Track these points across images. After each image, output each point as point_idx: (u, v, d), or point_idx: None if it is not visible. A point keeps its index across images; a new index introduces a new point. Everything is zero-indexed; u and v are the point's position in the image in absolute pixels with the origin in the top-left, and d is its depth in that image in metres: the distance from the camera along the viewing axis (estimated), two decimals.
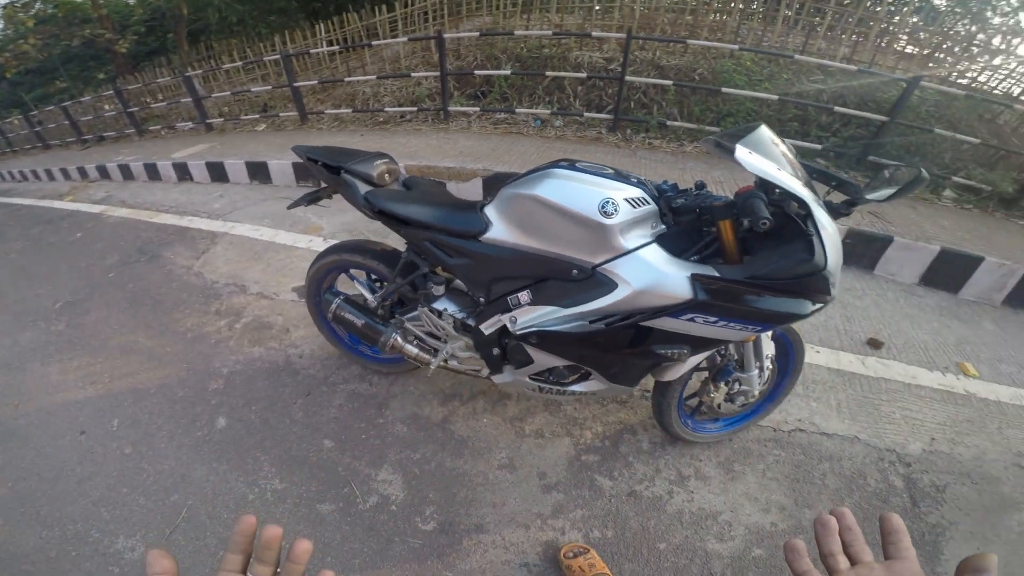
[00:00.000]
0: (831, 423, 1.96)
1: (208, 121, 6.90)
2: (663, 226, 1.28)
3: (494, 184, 1.53)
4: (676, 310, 1.22)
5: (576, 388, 1.58)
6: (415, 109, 5.39)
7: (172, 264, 3.30)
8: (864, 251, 3.05)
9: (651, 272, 1.22)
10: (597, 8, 5.85)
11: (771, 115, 4.40)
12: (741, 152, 1.07)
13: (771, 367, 1.61)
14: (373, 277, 1.86)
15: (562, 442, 1.83)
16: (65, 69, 17.81)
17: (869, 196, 1.21)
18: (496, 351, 1.57)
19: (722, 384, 1.56)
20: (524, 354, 1.49)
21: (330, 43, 7.05)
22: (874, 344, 2.43)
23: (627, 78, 4.35)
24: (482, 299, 1.50)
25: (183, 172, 5.29)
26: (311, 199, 1.79)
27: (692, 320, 1.24)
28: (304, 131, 5.82)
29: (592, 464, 1.76)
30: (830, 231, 1.14)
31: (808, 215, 1.12)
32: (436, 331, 1.68)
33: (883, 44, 5.45)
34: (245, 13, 11.89)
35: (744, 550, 1.53)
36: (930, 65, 5.37)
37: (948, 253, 2.92)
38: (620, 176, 1.29)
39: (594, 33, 4.75)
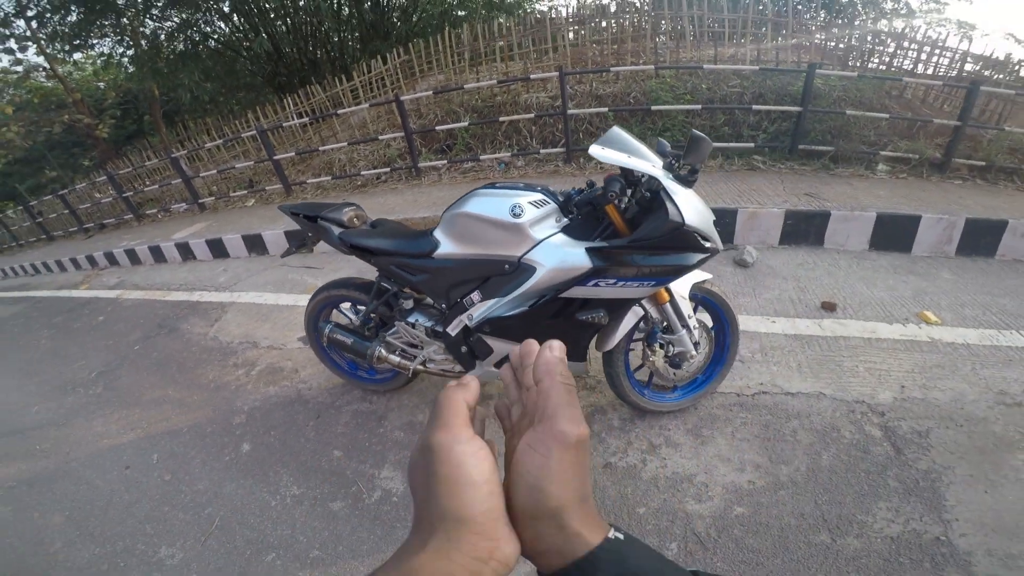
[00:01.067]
0: (794, 383, 2.08)
1: (200, 201, 7.36)
2: (566, 219, 1.66)
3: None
4: (582, 279, 1.58)
5: None
6: (388, 169, 5.86)
7: (190, 333, 3.67)
8: (807, 228, 3.33)
9: (557, 253, 1.59)
10: (534, 53, 6.38)
11: (703, 123, 4.86)
12: (594, 149, 1.49)
13: (699, 327, 1.85)
14: (357, 306, 2.23)
15: None
16: (52, 157, 18.37)
17: (684, 161, 1.57)
18: (464, 349, 1.91)
19: (656, 347, 1.85)
20: (485, 345, 1.84)
21: (300, 115, 7.51)
22: (828, 307, 2.56)
23: (569, 111, 4.82)
24: (444, 306, 1.87)
25: (186, 252, 5.73)
26: (299, 244, 2.20)
27: (597, 285, 1.60)
28: (291, 201, 6.25)
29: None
30: (683, 195, 1.53)
31: (661, 187, 1.51)
32: (413, 340, 2.04)
33: (785, 41, 5.96)
34: (215, 91, 12.56)
35: (725, 509, 1.63)
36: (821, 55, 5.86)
37: (885, 216, 3.17)
38: (528, 187, 1.67)
39: (532, 76, 5.27)
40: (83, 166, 17.95)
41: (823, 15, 7.87)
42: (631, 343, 1.89)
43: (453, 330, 1.86)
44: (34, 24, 11.53)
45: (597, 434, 1.99)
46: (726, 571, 1.46)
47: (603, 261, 1.56)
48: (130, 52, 11.83)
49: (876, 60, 6.13)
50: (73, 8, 9.97)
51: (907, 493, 1.60)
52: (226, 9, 10.78)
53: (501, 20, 7.72)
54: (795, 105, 4.40)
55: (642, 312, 1.79)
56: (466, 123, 5.45)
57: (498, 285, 1.71)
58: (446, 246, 1.76)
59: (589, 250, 1.57)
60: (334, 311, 2.34)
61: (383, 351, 2.04)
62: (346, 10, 11.37)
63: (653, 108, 4.73)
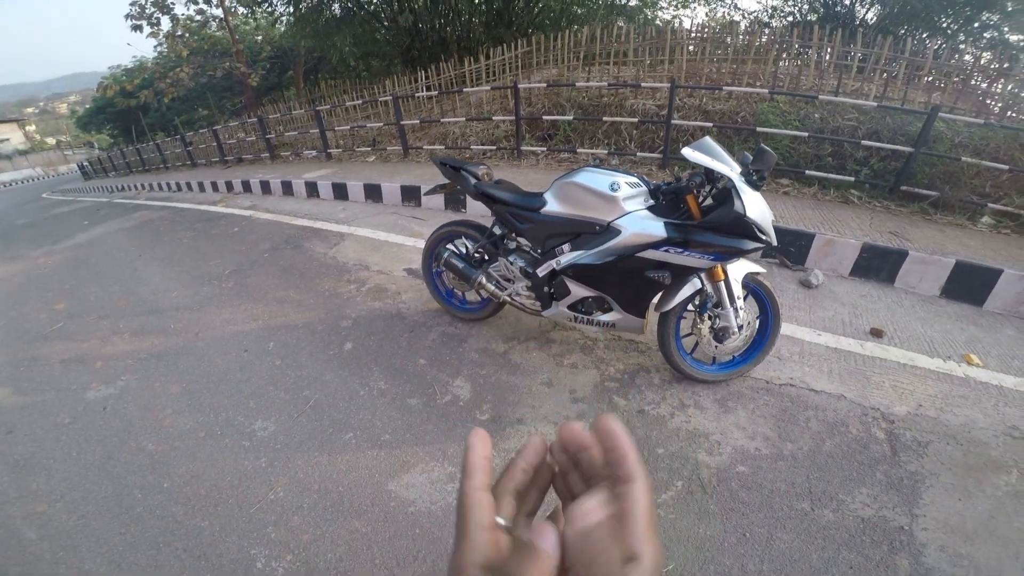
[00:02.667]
0: (820, 383, 2.30)
1: (329, 151, 8.36)
2: (652, 202, 2.10)
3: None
4: (656, 244, 2.01)
5: (601, 318, 2.32)
6: (494, 148, 6.42)
7: (312, 251, 4.42)
8: (881, 264, 3.35)
9: (641, 222, 2.05)
10: (648, 61, 6.60)
11: (807, 151, 4.91)
12: (686, 150, 1.92)
13: (744, 309, 2.15)
14: (469, 242, 2.74)
15: (591, 372, 2.45)
16: (207, 97, 21.08)
17: (752, 168, 1.93)
18: (546, 289, 2.37)
19: (705, 316, 2.17)
20: (564, 287, 2.29)
21: (428, 88, 8.31)
22: (876, 333, 2.69)
23: (673, 121, 5.05)
24: (539, 252, 2.35)
25: (312, 190, 6.65)
26: (441, 188, 2.76)
27: (667, 251, 2.01)
28: (406, 163, 6.99)
29: (612, 388, 2.33)
30: (750, 195, 1.90)
31: (734, 186, 1.89)
32: (508, 275, 2.54)
33: (916, 80, 5.74)
34: (356, 54, 13.80)
35: (729, 464, 1.89)
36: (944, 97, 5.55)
37: (964, 265, 3.11)
38: (626, 172, 2.15)
39: (643, 84, 5.56)
40: (228, 108, 20.40)
41: (987, 57, 7.33)
42: (684, 311, 2.24)
43: (542, 272, 2.33)
44: None
45: (638, 387, 2.33)
46: (716, 513, 1.73)
47: (675, 233, 1.97)
48: (291, 11, 13.21)
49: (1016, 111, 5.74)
50: None
51: (889, 486, 1.81)
52: None
53: (620, 24, 7.98)
54: (908, 145, 4.35)
55: (699, 285, 2.12)
56: (570, 117, 5.85)
57: (586, 240, 2.16)
58: (552, 205, 2.25)
59: (666, 223, 1.99)
60: (450, 243, 2.85)
61: (483, 279, 2.54)
62: None
63: (759, 129, 4.85)
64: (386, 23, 12.76)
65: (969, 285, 3.15)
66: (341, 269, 3.90)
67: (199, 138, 12.79)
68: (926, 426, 2.06)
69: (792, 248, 3.64)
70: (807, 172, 4.67)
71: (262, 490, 1.99)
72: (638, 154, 5.36)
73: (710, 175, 1.96)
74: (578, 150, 5.73)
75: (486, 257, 2.65)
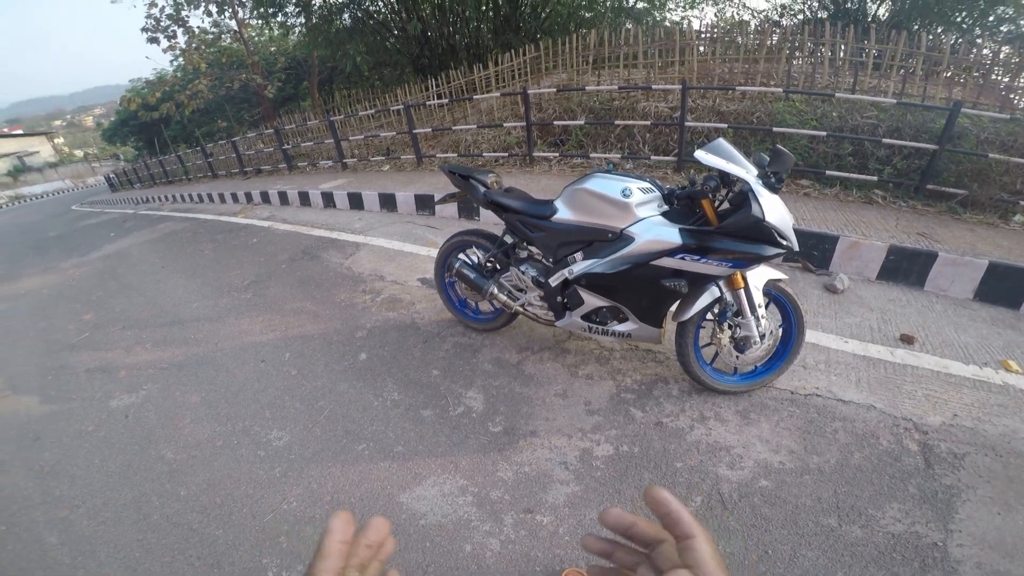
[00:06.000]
0: (848, 393, 2.20)
1: (344, 160, 8.47)
2: (666, 207, 2.06)
3: None
4: (671, 251, 1.95)
5: (616, 328, 2.27)
6: (506, 154, 6.41)
7: (328, 261, 4.47)
8: (910, 267, 3.23)
9: (655, 229, 1.98)
10: (659, 63, 6.52)
11: (826, 151, 4.79)
12: (699, 153, 1.88)
13: (766, 318, 2.08)
14: (480, 252, 2.73)
15: (607, 383, 2.40)
16: (227, 109, 21.60)
17: (770, 170, 1.86)
18: (559, 299, 2.34)
19: (725, 325, 2.09)
20: (578, 297, 2.25)
21: (439, 96, 8.37)
22: (906, 339, 2.58)
23: (687, 123, 4.97)
24: (551, 261, 2.31)
25: (328, 199, 6.74)
26: (451, 198, 2.76)
27: (683, 258, 1.95)
28: (420, 172, 7.03)
29: (629, 400, 2.27)
30: (768, 198, 1.84)
31: (751, 189, 1.82)
32: (520, 284, 2.51)
33: (935, 76, 5.56)
34: (368, 63, 14.00)
35: (751, 479, 1.82)
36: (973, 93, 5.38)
37: (999, 267, 2.97)
38: (639, 177, 2.09)
39: (654, 86, 5.48)
40: (246, 119, 20.84)
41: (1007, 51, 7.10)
42: (703, 321, 2.18)
43: (554, 282, 2.30)
44: None
45: (656, 398, 2.28)
46: (737, 530, 1.67)
47: (691, 239, 1.92)
48: (302, 22, 13.46)
49: None
50: None
51: (922, 500, 1.73)
52: None
53: (628, 27, 7.93)
54: (931, 143, 4.21)
55: (718, 293, 2.06)
56: (582, 122, 5.81)
57: (599, 248, 2.12)
58: (563, 212, 2.21)
59: (682, 230, 1.94)
60: (461, 253, 2.85)
61: (495, 289, 2.52)
62: (485, 4, 12.13)
63: (775, 130, 4.76)
64: (396, 32, 12.90)
65: (1004, 287, 3.02)
66: (356, 280, 3.94)
67: (219, 149, 13.06)
68: (962, 437, 1.97)
69: (815, 252, 3.54)
70: (827, 172, 4.56)
71: (276, 500, 2.03)
72: (652, 157, 5.30)
73: (725, 178, 1.90)
74: (591, 155, 5.69)
75: (498, 267, 2.63)
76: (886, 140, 4.42)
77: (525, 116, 5.84)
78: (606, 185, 2.06)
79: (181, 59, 15.60)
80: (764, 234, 1.85)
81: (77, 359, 3.62)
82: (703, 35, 6.83)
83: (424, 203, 5.48)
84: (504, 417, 2.27)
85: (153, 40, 14.63)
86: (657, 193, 2.05)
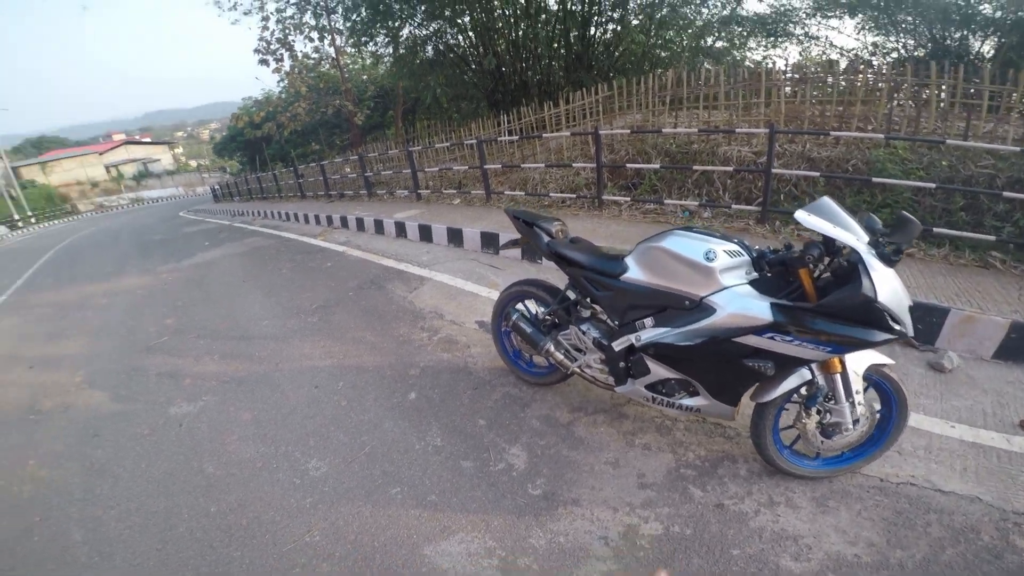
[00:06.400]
0: (950, 483, 1.93)
1: (419, 191, 8.76)
2: (755, 274, 1.80)
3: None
4: (759, 329, 1.70)
5: (684, 402, 2.05)
6: (574, 195, 6.28)
7: (393, 293, 4.59)
8: None
9: (740, 300, 1.74)
10: (742, 104, 6.11)
11: (935, 205, 4.30)
12: (800, 214, 1.63)
13: (863, 404, 1.81)
14: (540, 305, 2.63)
15: (666, 456, 2.18)
16: (320, 132, 23.08)
17: (889, 240, 1.59)
18: (622, 365, 2.17)
19: (812, 410, 1.82)
20: (643, 366, 2.07)
21: (510, 132, 8.42)
22: None
23: (774, 170, 4.61)
24: (616, 323, 2.16)
25: (400, 230, 7.00)
26: (514, 244, 2.73)
27: (772, 338, 1.70)
28: (488, 208, 7.08)
29: (688, 476, 2.05)
30: (882, 272, 1.54)
31: (861, 260, 1.55)
32: (579, 345, 2.37)
33: None
34: (448, 95, 14.51)
35: (818, 572, 1.62)
36: None
37: None
38: (724, 237, 1.85)
39: (738, 129, 5.15)
40: (337, 144, 22.33)
41: None
42: (787, 402, 1.93)
43: (618, 346, 2.13)
44: (334, 18, 14.55)
45: (720, 478, 2.05)
46: None
47: (784, 318, 1.67)
48: (391, 52, 14.17)
49: None
50: (362, 8, 12.36)
51: None
52: (467, 22, 12.38)
53: (707, 67, 7.65)
54: None
55: (809, 376, 1.82)
56: (657, 165, 5.58)
57: (673, 316, 1.93)
58: (634, 272, 2.04)
59: (773, 305, 1.69)
60: (519, 303, 2.76)
61: (552, 346, 2.40)
62: (557, 41, 12.24)
63: (875, 180, 4.33)
64: (473, 66, 13.36)
65: None
66: (417, 315, 3.98)
67: (309, 171, 14.00)
68: None
69: (920, 325, 3.11)
70: (936, 230, 4.06)
71: (300, 530, 2.04)
72: (733, 206, 4.96)
73: (830, 245, 1.64)
74: (665, 201, 5.43)
75: (556, 322, 2.52)
76: (1006, 193, 3.89)
77: (596, 157, 5.73)
78: (687, 245, 1.85)
79: (285, 81, 16.65)
80: (874, 316, 1.57)
81: (152, 362, 3.93)
82: (790, 75, 6.43)
83: (489, 241, 5.51)
84: (546, 480, 2.14)
85: (263, 62, 15.65)
86: (745, 257, 1.80)
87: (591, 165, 6.04)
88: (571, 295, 2.41)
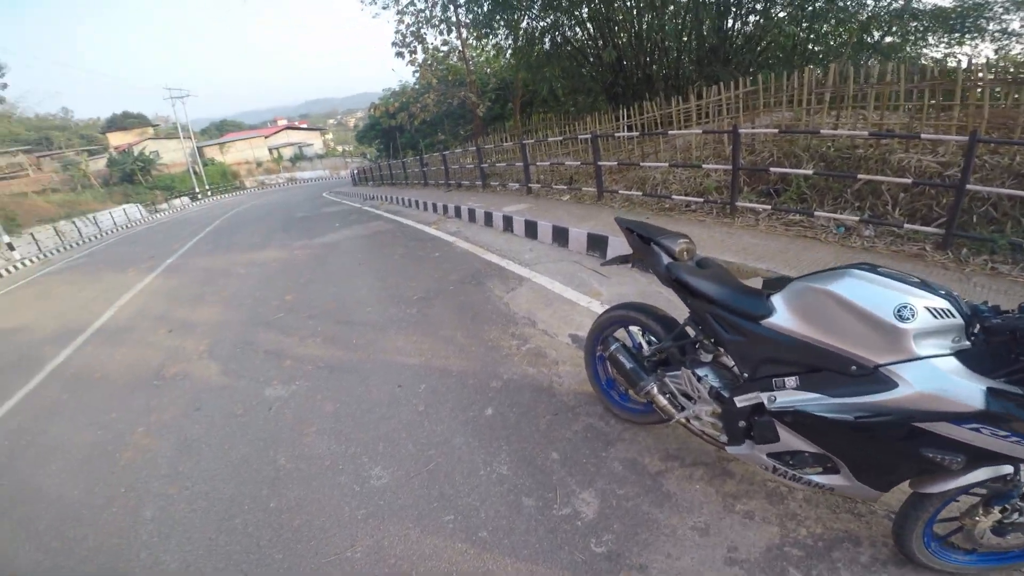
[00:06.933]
0: None
1: (529, 185, 8.67)
2: (967, 342, 1.29)
3: (776, 285, 1.76)
4: (960, 418, 1.24)
5: (815, 478, 1.62)
6: (701, 200, 5.59)
7: (490, 292, 4.50)
8: None
9: (940, 379, 1.26)
10: (932, 103, 4.92)
11: None
12: None
13: None
14: (647, 334, 2.27)
15: (770, 529, 1.80)
16: (447, 123, 24.11)
17: None
18: (742, 424, 1.76)
19: (995, 510, 1.38)
20: (772, 432, 1.64)
21: (629, 128, 7.94)
22: None
23: (969, 186, 3.66)
24: (745, 375, 1.74)
25: (508, 224, 6.96)
26: (622, 260, 2.34)
27: (977, 431, 1.23)
28: (599, 206, 6.75)
29: (792, 557, 1.69)
30: None
31: None
32: (690, 391, 1.97)
33: None
34: (564, 90, 14.26)
35: None
36: None
37: None
38: (926, 285, 1.35)
39: (924, 135, 4.16)
40: (460, 135, 23.20)
41: None
42: (963, 494, 1.44)
43: (742, 402, 1.72)
44: (460, 11, 14.93)
45: (833, 563, 1.65)
46: None
47: (1003, 409, 1.19)
48: (510, 44, 14.30)
49: None
50: (484, 1, 12.68)
51: None
52: (585, 14, 12.01)
53: (874, 62, 6.36)
54: None
55: (1009, 471, 1.32)
56: (809, 171, 4.74)
57: (829, 381, 1.48)
58: (782, 317, 1.58)
59: (991, 391, 1.20)
60: (621, 329, 2.41)
61: (655, 389, 2.04)
62: (688, 33, 11.32)
63: None
64: (591, 59, 12.89)
65: None
66: (509, 319, 3.83)
67: (432, 160, 14.68)
68: None
69: None
70: None
71: (344, 543, 2.00)
72: (905, 226, 4.02)
73: None
74: (816, 212, 4.59)
75: (665, 359, 2.13)
76: None
77: (732, 157, 5.01)
78: (870, 294, 1.36)
79: (418, 73, 17.46)
80: None
81: (264, 337, 4.28)
82: (997, 74, 5.01)
83: (596, 244, 5.18)
84: (615, 537, 1.85)
85: (399, 55, 16.56)
86: (957, 320, 1.29)
87: (725, 167, 5.39)
88: (690, 331, 2.00)
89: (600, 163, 6.89)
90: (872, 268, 1.44)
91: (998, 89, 4.92)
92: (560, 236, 5.77)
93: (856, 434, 1.42)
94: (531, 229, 6.35)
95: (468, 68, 16.84)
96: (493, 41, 14.92)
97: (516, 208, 7.42)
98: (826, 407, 1.45)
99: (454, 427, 2.65)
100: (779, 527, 1.80)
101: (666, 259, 1.98)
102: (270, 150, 53.11)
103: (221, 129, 71.74)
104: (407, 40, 16.28)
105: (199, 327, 4.91)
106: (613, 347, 2.19)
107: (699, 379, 1.90)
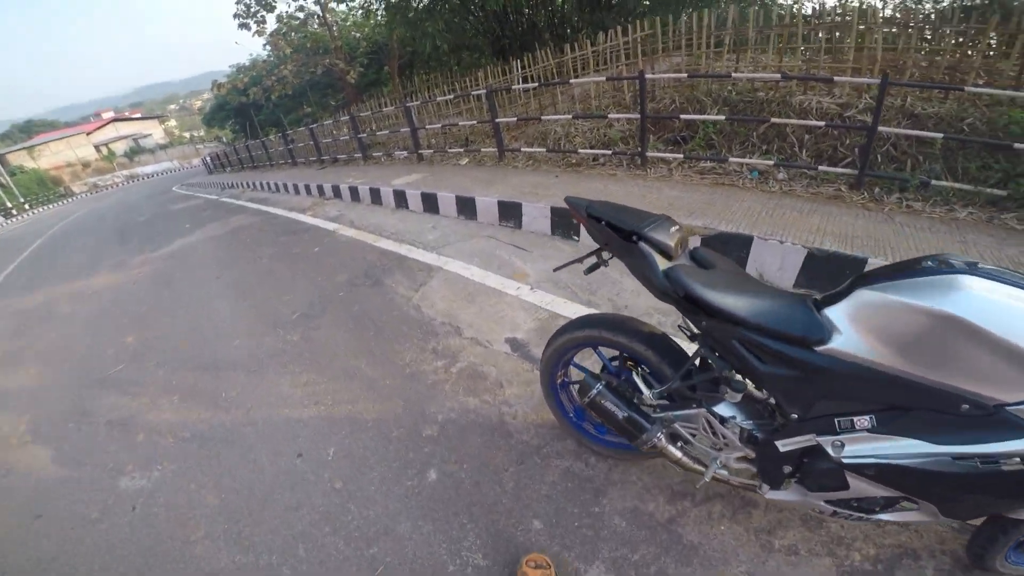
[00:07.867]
0: None
1: (420, 151, 7.76)
2: None
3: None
4: None
5: (887, 517, 1.23)
6: (609, 152, 5.21)
7: (393, 293, 3.61)
8: None
9: None
10: (827, 47, 4.97)
11: None
12: None
13: None
14: (642, 365, 1.59)
15: (821, 562, 1.46)
16: (311, 95, 21.93)
17: None
18: (787, 468, 1.27)
19: None
20: (839, 480, 1.17)
21: (525, 79, 7.34)
22: None
23: (882, 128, 3.58)
24: (795, 415, 1.20)
25: (400, 200, 5.98)
26: (590, 269, 1.58)
27: None
28: (503, 168, 6.09)
29: None
30: None
31: None
32: (714, 441, 1.41)
33: None
34: (449, 44, 13.42)
35: None
36: None
37: None
38: None
39: (837, 78, 4.06)
40: (331, 105, 21.16)
41: None
42: None
43: (787, 447, 1.21)
44: None
45: None
46: None
47: None
48: (381, 2, 13.05)
49: None
50: None
51: None
52: None
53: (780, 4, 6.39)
54: None
55: None
56: (722, 117, 4.48)
57: (924, 424, 1.05)
58: (851, 342, 1.05)
59: None
60: (588, 350, 1.76)
61: (663, 439, 1.45)
62: None
63: (1016, 146, 3.17)
64: (475, 12, 12.14)
65: None
66: (426, 330, 3.01)
67: (299, 136, 13.01)
68: None
69: None
70: None
71: None
72: (819, 168, 3.91)
73: None
74: (729, 158, 4.37)
75: (671, 397, 1.52)
76: None
77: (640, 106, 4.60)
78: (1009, 316, 0.90)
79: (269, 45, 15.93)
80: None
81: (103, 402, 3.08)
82: (897, 19, 5.14)
83: (509, 212, 4.49)
84: None
85: (244, 26, 14.98)
86: None
87: (628, 116, 5.03)
88: (712, 361, 1.31)
89: (498, 120, 6.18)
90: (972, 267, 0.97)
91: (892, 30, 5.00)
92: (466, 207, 4.98)
93: (960, 480, 1.04)
94: (430, 202, 5.47)
95: (332, 34, 15.29)
96: (359, 2, 13.32)
97: (408, 179, 6.46)
98: (921, 456, 1.05)
99: (392, 507, 1.89)
100: (830, 557, 1.49)
101: (660, 261, 1.30)
102: (97, 147, 45.67)
103: (27, 131, 61.99)
104: (252, 9, 14.59)
105: (14, 399, 3.46)
106: (594, 391, 1.51)
107: (723, 421, 1.35)
